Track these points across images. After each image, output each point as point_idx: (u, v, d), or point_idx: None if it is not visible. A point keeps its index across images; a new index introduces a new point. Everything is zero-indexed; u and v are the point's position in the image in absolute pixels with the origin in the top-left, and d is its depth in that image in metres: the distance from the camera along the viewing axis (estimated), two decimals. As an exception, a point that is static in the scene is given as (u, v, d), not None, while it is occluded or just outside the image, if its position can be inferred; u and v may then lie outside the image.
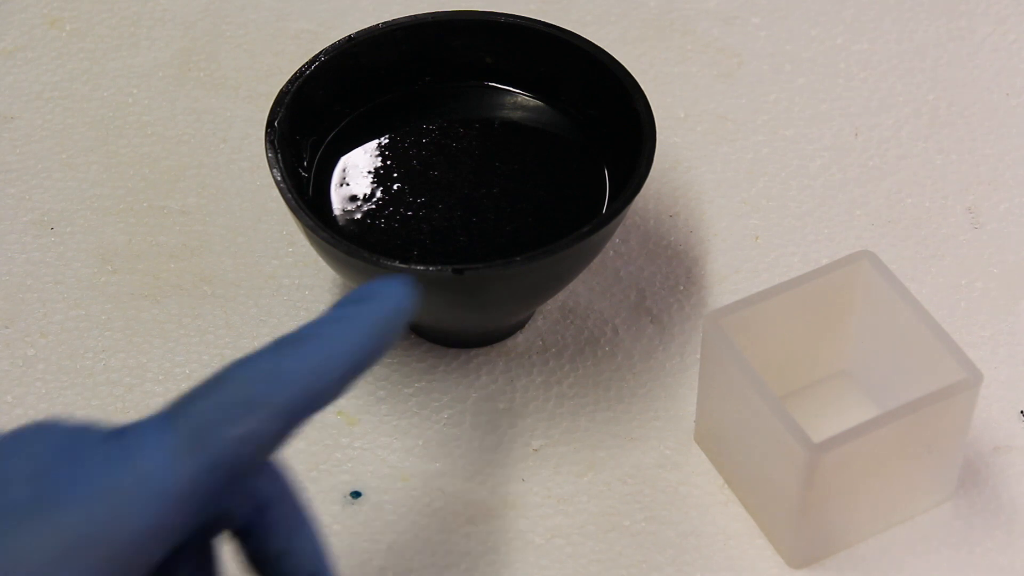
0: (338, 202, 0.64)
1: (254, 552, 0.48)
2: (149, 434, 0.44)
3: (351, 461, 0.63)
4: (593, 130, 0.66)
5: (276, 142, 0.62)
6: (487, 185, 0.65)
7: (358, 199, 0.64)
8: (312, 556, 0.48)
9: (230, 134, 0.74)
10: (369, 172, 0.65)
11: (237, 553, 0.48)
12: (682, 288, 0.68)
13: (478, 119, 0.67)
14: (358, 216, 0.64)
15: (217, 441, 0.44)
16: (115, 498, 0.43)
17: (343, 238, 0.60)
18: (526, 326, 0.67)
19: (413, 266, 0.58)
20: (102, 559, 0.43)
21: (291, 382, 0.44)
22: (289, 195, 0.60)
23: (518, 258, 0.58)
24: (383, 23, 0.67)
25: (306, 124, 0.65)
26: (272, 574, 0.48)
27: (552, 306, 0.67)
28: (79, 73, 0.77)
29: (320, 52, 0.65)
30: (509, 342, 0.66)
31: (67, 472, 0.43)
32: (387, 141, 0.67)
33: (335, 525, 0.61)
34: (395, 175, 0.65)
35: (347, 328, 0.46)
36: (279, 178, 0.61)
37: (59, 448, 0.44)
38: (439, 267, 0.58)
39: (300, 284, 0.68)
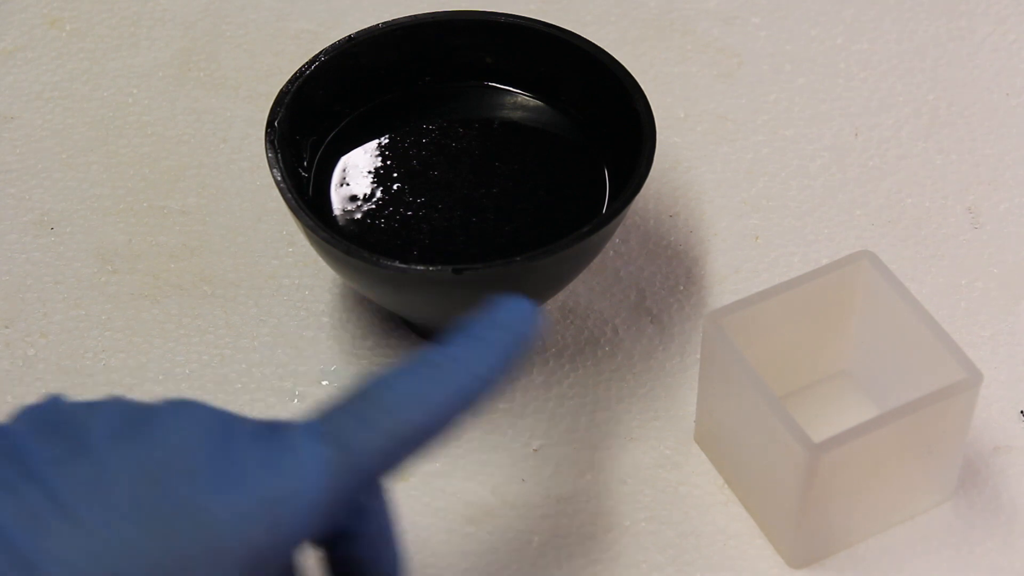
0: (338, 202, 0.64)
1: (339, 555, 0.48)
2: (302, 442, 0.45)
3: (351, 461, 0.63)
4: (593, 130, 0.66)
5: (276, 142, 0.62)
6: (487, 185, 0.65)
7: (358, 199, 0.64)
8: (395, 566, 0.49)
9: (230, 134, 0.74)
10: (369, 172, 0.65)
11: (317, 552, 0.48)
12: (682, 288, 0.68)
13: (478, 119, 0.67)
14: (358, 216, 0.64)
15: (362, 458, 0.45)
16: (269, 506, 0.44)
17: (343, 238, 0.60)
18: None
19: (413, 266, 0.58)
20: (242, 561, 0.43)
21: (430, 406, 0.45)
22: (289, 195, 0.60)
23: (518, 258, 0.58)
24: (383, 23, 0.67)
25: (306, 124, 0.65)
26: (343, 548, 0.48)
27: (552, 306, 0.67)
28: (79, 73, 0.77)
29: (320, 52, 0.65)
30: (509, 342, 0.66)
31: (223, 471, 0.44)
32: (387, 141, 0.67)
33: (335, 525, 0.61)
34: (395, 175, 0.65)
35: (483, 352, 0.47)
36: (279, 178, 0.61)
37: (212, 442, 0.44)
38: (439, 267, 0.58)
39: (300, 284, 0.68)
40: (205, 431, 0.44)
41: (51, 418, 0.44)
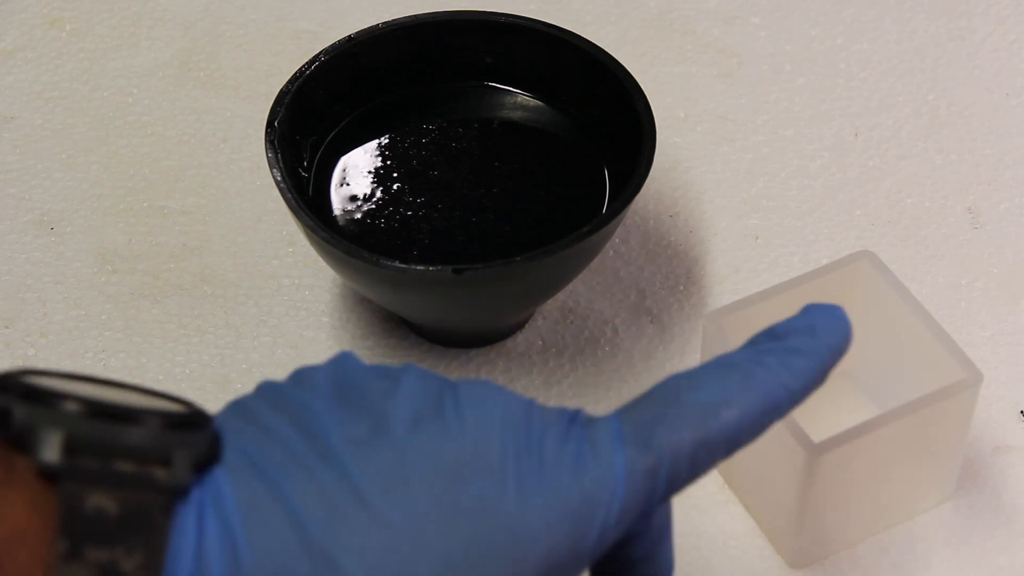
0: (338, 202, 0.64)
1: (612, 552, 0.46)
2: (607, 442, 0.43)
3: (351, 461, 0.63)
4: (593, 130, 0.66)
5: (276, 142, 0.62)
6: (487, 185, 0.65)
7: (358, 199, 0.64)
8: (667, 567, 0.47)
9: (230, 134, 0.74)
10: (369, 172, 0.65)
11: None
12: (682, 288, 0.68)
13: (478, 119, 0.67)
14: (358, 216, 0.64)
15: (666, 463, 0.43)
16: (575, 517, 0.42)
17: (343, 238, 0.60)
18: (526, 326, 0.67)
19: (413, 266, 0.58)
20: (540, 569, 0.41)
21: (736, 412, 0.43)
22: (289, 195, 0.60)
23: (518, 258, 0.58)
24: (383, 23, 0.67)
25: (306, 124, 0.65)
26: (618, 544, 0.46)
27: (552, 306, 0.67)
28: (79, 73, 0.77)
29: (320, 52, 0.65)
30: (509, 342, 0.66)
31: (528, 473, 0.42)
32: (387, 141, 0.67)
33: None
34: (395, 175, 0.65)
35: (797, 363, 0.44)
36: (279, 178, 0.61)
37: (516, 437, 0.42)
38: (439, 267, 0.58)
39: (300, 284, 0.68)
40: (508, 422, 0.42)
41: (348, 387, 0.43)
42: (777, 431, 0.55)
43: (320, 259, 0.67)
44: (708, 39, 0.77)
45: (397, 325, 0.67)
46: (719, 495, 0.61)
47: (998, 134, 0.74)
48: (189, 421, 0.41)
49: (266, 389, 0.43)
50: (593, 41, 0.66)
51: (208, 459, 0.41)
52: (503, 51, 0.67)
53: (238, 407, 0.43)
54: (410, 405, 0.42)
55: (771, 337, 0.45)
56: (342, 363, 0.44)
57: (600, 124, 0.66)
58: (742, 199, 0.71)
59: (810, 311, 0.46)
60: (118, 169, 0.73)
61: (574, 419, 0.43)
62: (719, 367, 0.44)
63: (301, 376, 0.44)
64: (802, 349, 0.45)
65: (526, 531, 0.41)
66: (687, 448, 0.43)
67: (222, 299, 0.68)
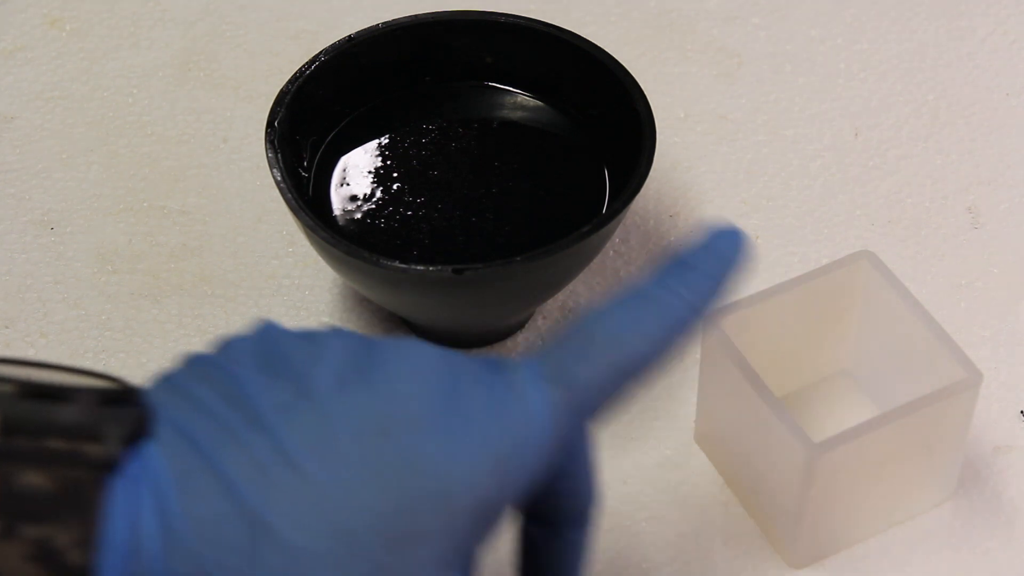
0: (338, 202, 0.64)
1: (539, 489, 0.47)
2: (528, 385, 0.44)
3: (351, 461, 0.63)
4: (593, 130, 0.66)
5: (276, 142, 0.62)
6: (487, 185, 0.65)
7: (358, 199, 0.64)
8: (590, 498, 0.48)
9: (230, 134, 0.74)
10: (369, 172, 0.65)
11: None
12: (682, 288, 0.68)
13: (478, 119, 0.67)
14: (358, 216, 0.64)
15: (586, 395, 0.44)
16: (499, 459, 0.43)
17: (343, 238, 0.60)
18: (526, 326, 0.67)
19: (413, 266, 0.58)
20: (471, 514, 0.42)
21: (647, 336, 0.44)
22: (289, 195, 0.60)
23: (518, 258, 0.58)
24: (383, 23, 0.67)
25: (306, 124, 0.65)
26: (547, 510, 0.48)
27: (552, 306, 0.67)
28: (79, 73, 0.77)
29: (320, 52, 0.65)
30: (509, 342, 0.66)
31: (452, 421, 0.42)
32: (387, 141, 0.67)
33: (335, 525, 0.61)
34: (395, 175, 0.65)
35: (698, 282, 0.45)
36: (279, 178, 0.61)
37: (440, 389, 0.43)
38: (439, 267, 0.58)
39: (300, 284, 0.68)
40: (432, 376, 0.43)
41: (272, 354, 0.43)
42: (777, 431, 0.55)
43: (320, 259, 0.67)
44: (708, 39, 0.77)
45: (397, 325, 0.67)
46: (719, 495, 0.61)
47: (998, 134, 0.74)
48: (120, 397, 0.42)
49: (193, 361, 0.44)
50: (593, 41, 0.66)
51: (139, 433, 0.41)
52: (503, 51, 0.67)
53: (167, 381, 0.43)
54: (334, 367, 0.43)
55: (672, 261, 0.46)
56: (266, 331, 0.44)
57: (600, 124, 0.66)
58: (742, 199, 0.71)
59: (708, 232, 0.47)
60: (118, 169, 0.73)
61: (494, 366, 0.44)
62: (627, 297, 0.45)
63: (226, 346, 0.44)
64: (700, 267, 0.46)
65: (455, 479, 0.42)
66: (606, 379, 0.44)
67: (222, 299, 0.68)
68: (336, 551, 0.41)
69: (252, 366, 0.43)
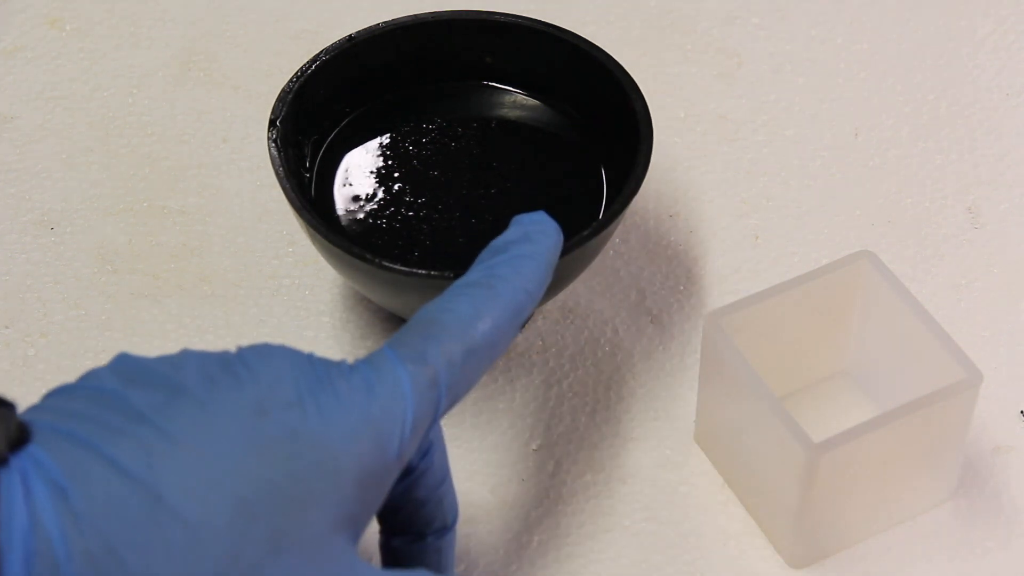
0: (339, 202, 0.64)
1: (399, 498, 0.51)
2: (386, 364, 0.47)
3: (351, 461, 0.63)
4: (593, 130, 0.66)
5: (278, 141, 0.62)
6: (486, 185, 0.65)
7: (359, 199, 0.64)
8: (452, 508, 0.52)
9: (230, 134, 0.74)
10: (369, 172, 0.65)
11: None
12: (682, 288, 0.68)
13: (477, 119, 0.67)
14: (359, 216, 0.64)
15: (440, 371, 0.47)
16: (373, 423, 0.46)
17: (345, 238, 0.60)
18: (526, 326, 0.67)
19: (415, 269, 0.58)
20: (355, 480, 0.45)
21: (490, 320, 0.49)
22: (292, 195, 0.60)
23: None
24: (383, 23, 0.67)
25: (307, 123, 0.65)
26: (408, 520, 0.51)
27: (552, 306, 0.67)
28: (79, 73, 0.77)
29: (320, 52, 0.65)
30: (509, 342, 0.66)
31: (324, 399, 0.45)
32: (387, 141, 0.67)
33: (335, 525, 0.61)
34: (395, 175, 0.65)
35: (527, 268, 0.50)
36: (282, 177, 0.61)
37: (304, 376, 0.46)
38: (441, 271, 0.58)
39: (300, 284, 0.68)
40: (295, 367, 0.46)
41: (134, 371, 0.45)
42: (777, 431, 0.56)
43: (321, 259, 0.67)
44: (708, 39, 0.78)
45: (397, 325, 0.67)
46: (719, 495, 0.61)
47: (998, 134, 0.74)
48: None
49: (55, 392, 0.46)
50: (593, 41, 0.66)
51: (19, 439, 0.43)
52: (503, 51, 0.67)
53: (34, 410, 0.45)
54: (199, 369, 0.45)
55: (495, 252, 0.51)
56: (122, 358, 0.46)
57: (599, 124, 0.66)
58: (742, 199, 0.71)
59: (518, 222, 0.52)
60: (118, 169, 0.73)
61: (350, 363, 0.47)
62: (462, 288, 0.49)
63: (86, 375, 0.46)
64: (526, 254, 0.50)
65: (334, 446, 0.45)
66: (458, 358, 0.48)
67: (222, 299, 0.68)
68: (234, 520, 0.43)
69: (117, 382, 0.45)
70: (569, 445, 0.63)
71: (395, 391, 0.46)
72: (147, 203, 0.71)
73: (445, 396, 0.48)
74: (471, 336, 0.48)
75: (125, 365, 0.46)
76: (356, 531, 0.46)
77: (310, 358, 0.47)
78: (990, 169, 0.72)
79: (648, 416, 0.64)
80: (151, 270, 0.69)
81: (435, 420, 0.48)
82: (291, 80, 0.64)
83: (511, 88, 0.68)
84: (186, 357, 0.46)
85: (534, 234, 0.51)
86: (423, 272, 0.58)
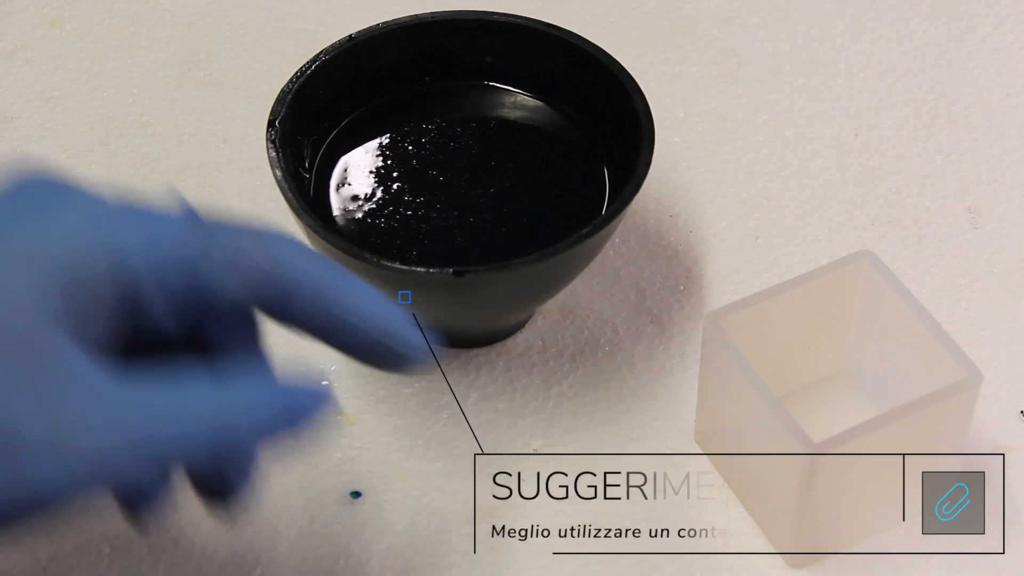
0: (338, 202, 0.64)
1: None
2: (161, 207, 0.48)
3: (351, 461, 0.63)
4: (593, 130, 0.66)
5: (277, 142, 0.62)
6: (486, 185, 0.65)
7: (358, 199, 0.64)
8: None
9: (230, 134, 0.74)
10: (369, 172, 0.65)
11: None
12: (682, 288, 0.68)
13: (477, 119, 0.67)
14: (358, 216, 0.64)
15: (210, 226, 0.49)
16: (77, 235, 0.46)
17: (343, 238, 0.60)
18: (526, 326, 0.67)
19: (413, 268, 0.58)
20: (64, 281, 0.45)
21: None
22: (290, 195, 0.60)
23: (518, 260, 0.58)
24: (383, 23, 0.67)
25: (307, 124, 0.65)
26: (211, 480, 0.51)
27: (552, 306, 0.67)
28: (79, 73, 0.77)
29: (320, 52, 0.65)
30: (509, 342, 0.66)
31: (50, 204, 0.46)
32: (387, 141, 0.67)
33: (335, 525, 0.61)
34: (395, 175, 0.65)
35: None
36: (280, 178, 0.61)
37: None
38: (439, 269, 0.58)
39: (300, 284, 0.68)
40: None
41: None
42: (777, 431, 0.55)
43: (320, 259, 0.67)
44: (708, 39, 0.78)
45: (397, 325, 0.67)
46: (719, 495, 0.61)
47: (998, 134, 0.74)
48: None
49: None
50: (593, 41, 0.66)
51: None
52: (503, 51, 0.67)
53: None
54: None
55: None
56: None
57: (600, 124, 0.66)
58: (742, 199, 0.71)
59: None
60: (118, 169, 0.73)
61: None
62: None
63: None
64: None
65: (39, 252, 0.45)
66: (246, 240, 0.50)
67: (222, 299, 0.68)
68: None
69: None
70: (569, 445, 0.63)
71: (119, 212, 0.47)
72: (147, 203, 0.71)
73: (215, 246, 0.49)
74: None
75: None
76: (83, 336, 0.46)
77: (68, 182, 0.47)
78: (990, 169, 0.72)
79: (648, 416, 0.64)
80: (151, 270, 0.69)
81: (206, 260, 0.49)
82: (290, 80, 0.64)
83: (511, 88, 0.68)
84: None
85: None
86: (421, 270, 0.58)
